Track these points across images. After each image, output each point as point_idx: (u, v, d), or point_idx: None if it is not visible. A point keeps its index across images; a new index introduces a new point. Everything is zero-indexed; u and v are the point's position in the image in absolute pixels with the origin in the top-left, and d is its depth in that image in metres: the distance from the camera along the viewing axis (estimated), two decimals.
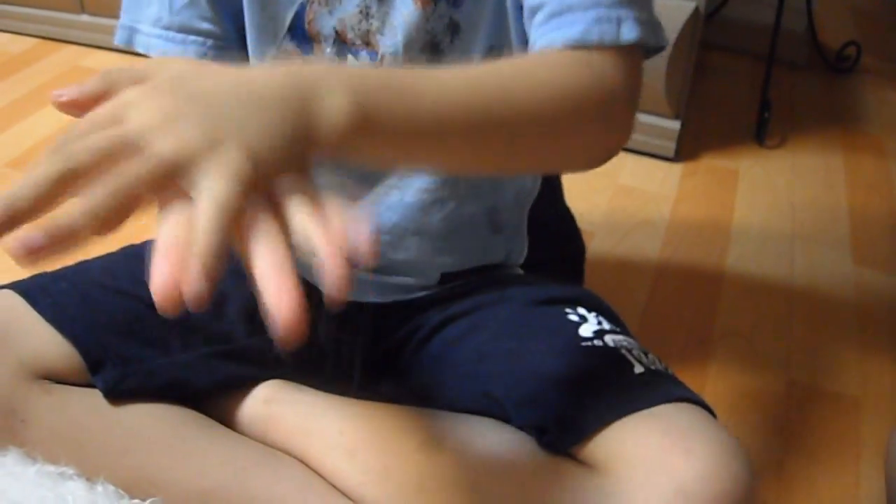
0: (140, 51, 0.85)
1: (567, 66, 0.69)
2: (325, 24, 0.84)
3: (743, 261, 1.47)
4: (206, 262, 0.47)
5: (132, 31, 0.85)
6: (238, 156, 0.50)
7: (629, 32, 0.69)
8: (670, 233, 1.53)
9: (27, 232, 0.48)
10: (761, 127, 1.83)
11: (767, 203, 1.64)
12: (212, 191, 0.48)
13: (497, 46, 0.85)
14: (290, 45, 0.86)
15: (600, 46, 0.69)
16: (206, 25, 0.83)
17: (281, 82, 0.54)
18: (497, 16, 0.83)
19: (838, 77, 2.13)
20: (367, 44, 0.84)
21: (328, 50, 0.85)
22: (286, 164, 0.52)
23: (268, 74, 0.55)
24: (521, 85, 0.65)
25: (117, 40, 0.86)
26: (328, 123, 0.54)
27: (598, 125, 0.71)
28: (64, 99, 0.55)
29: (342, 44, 0.85)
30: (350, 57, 0.85)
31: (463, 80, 0.63)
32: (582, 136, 0.71)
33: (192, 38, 0.83)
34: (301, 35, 0.85)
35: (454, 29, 0.83)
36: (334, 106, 0.55)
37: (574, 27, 0.69)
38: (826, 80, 2.12)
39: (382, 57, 0.83)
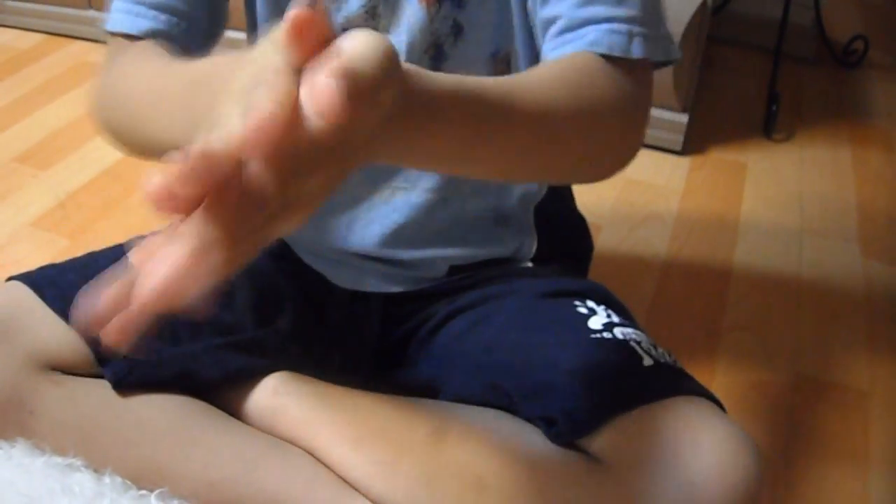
0: (107, 29, 0.81)
1: (591, 71, 0.70)
2: (333, 19, 0.84)
3: (751, 254, 1.47)
4: None
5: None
6: None
7: (638, 48, 0.71)
8: (678, 226, 1.53)
9: None
10: (769, 120, 1.82)
11: (775, 196, 1.63)
12: None
13: (501, 51, 0.85)
14: None
15: (611, 58, 0.70)
16: (181, 5, 0.80)
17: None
18: (501, 19, 0.83)
19: (846, 71, 2.13)
20: None
21: None
22: None
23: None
24: (559, 92, 0.65)
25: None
26: None
27: (620, 126, 0.71)
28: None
29: None
30: None
31: (504, 88, 0.62)
32: (607, 139, 0.71)
33: (165, 16, 0.79)
34: None
35: (457, 31, 0.83)
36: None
37: (586, 38, 0.71)
38: (833, 73, 2.12)
39: None
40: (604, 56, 0.70)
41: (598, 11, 0.72)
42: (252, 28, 0.89)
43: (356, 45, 0.46)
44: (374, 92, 0.46)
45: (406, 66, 0.52)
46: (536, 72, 0.67)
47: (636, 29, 0.72)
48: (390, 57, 0.47)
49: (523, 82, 0.64)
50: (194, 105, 0.58)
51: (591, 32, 0.71)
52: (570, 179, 0.72)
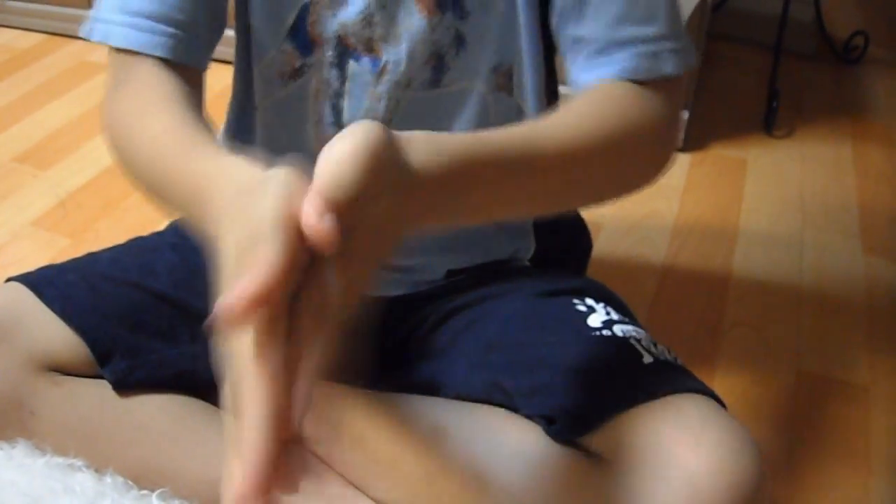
0: (96, 41, 0.78)
1: (621, 101, 0.73)
2: (328, 27, 0.83)
3: (752, 251, 1.46)
4: None
5: (93, 21, 0.79)
6: None
7: (669, 65, 0.75)
8: (679, 223, 1.53)
9: None
10: (770, 116, 1.82)
11: (776, 193, 1.63)
12: None
13: (504, 64, 0.84)
14: (289, 47, 0.85)
15: (644, 80, 0.74)
16: (181, 15, 0.77)
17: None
18: (506, 32, 0.83)
19: (846, 67, 2.12)
20: (370, 50, 0.83)
21: (329, 54, 0.84)
22: None
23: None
24: (599, 137, 0.69)
25: (82, 32, 0.79)
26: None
27: (652, 150, 0.75)
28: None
29: (344, 48, 0.83)
30: (351, 62, 0.84)
31: (528, 138, 0.66)
32: (639, 164, 0.75)
33: (165, 28, 0.76)
34: (302, 37, 0.84)
35: (460, 42, 0.82)
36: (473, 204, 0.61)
37: (616, 65, 0.74)
38: (834, 69, 2.11)
39: (385, 64, 0.83)
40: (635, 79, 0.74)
41: (628, 33, 0.74)
42: (244, 29, 0.88)
43: (326, 168, 0.52)
44: (357, 197, 0.52)
45: (417, 140, 0.57)
46: (561, 114, 0.70)
47: (666, 46, 0.75)
48: (370, 155, 0.52)
49: (547, 128, 0.67)
50: (202, 213, 0.62)
51: (621, 58, 0.74)
52: (608, 201, 0.76)
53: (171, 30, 0.77)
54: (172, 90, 0.74)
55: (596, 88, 0.74)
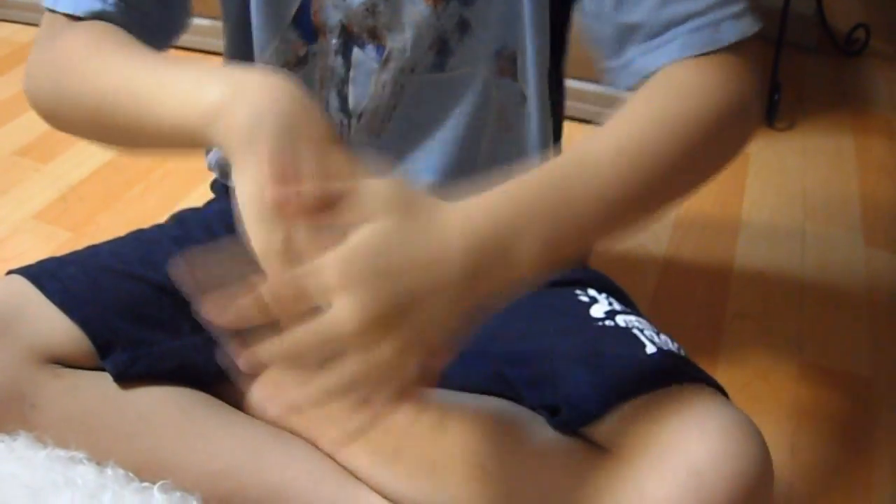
0: (47, 6, 0.79)
1: (691, 86, 0.70)
2: (331, 16, 0.83)
3: (754, 243, 1.46)
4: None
5: None
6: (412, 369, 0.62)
7: (727, 33, 0.71)
8: (681, 215, 1.53)
9: None
10: (771, 109, 1.82)
11: (778, 185, 1.63)
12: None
13: (508, 48, 0.84)
14: (293, 36, 0.85)
15: (706, 54, 0.71)
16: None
17: (475, 253, 0.60)
18: (511, 17, 0.82)
19: (848, 59, 2.12)
20: (375, 38, 0.83)
21: (333, 42, 0.84)
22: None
23: (463, 246, 0.59)
24: (665, 131, 0.67)
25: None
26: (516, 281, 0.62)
27: (734, 129, 0.73)
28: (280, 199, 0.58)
29: (348, 36, 0.84)
30: (355, 50, 0.84)
31: (614, 156, 0.65)
32: (723, 145, 0.73)
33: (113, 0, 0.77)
34: (306, 26, 0.84)
35: (463, 27, 0.82)
36: (525, 262, 0.61)
37: (673, 44, 0.71)
38: (835, 62, 2.11)
39: (389, 52, 0.83)
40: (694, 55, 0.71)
41: (679, 10, 0.72)
42: (242, 23, 0.88)
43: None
44: None
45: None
46: (617, 115, 0.68)
47: (719, 14, 0.72)
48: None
49: (598, 138, 0.66)
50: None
51: (676, 37, 0.71)
52: (694, 189, 0.76)
53: (120, 3, 0.77)
54: (128, 37, 0.76)
55: (655, 78, 0.72)
